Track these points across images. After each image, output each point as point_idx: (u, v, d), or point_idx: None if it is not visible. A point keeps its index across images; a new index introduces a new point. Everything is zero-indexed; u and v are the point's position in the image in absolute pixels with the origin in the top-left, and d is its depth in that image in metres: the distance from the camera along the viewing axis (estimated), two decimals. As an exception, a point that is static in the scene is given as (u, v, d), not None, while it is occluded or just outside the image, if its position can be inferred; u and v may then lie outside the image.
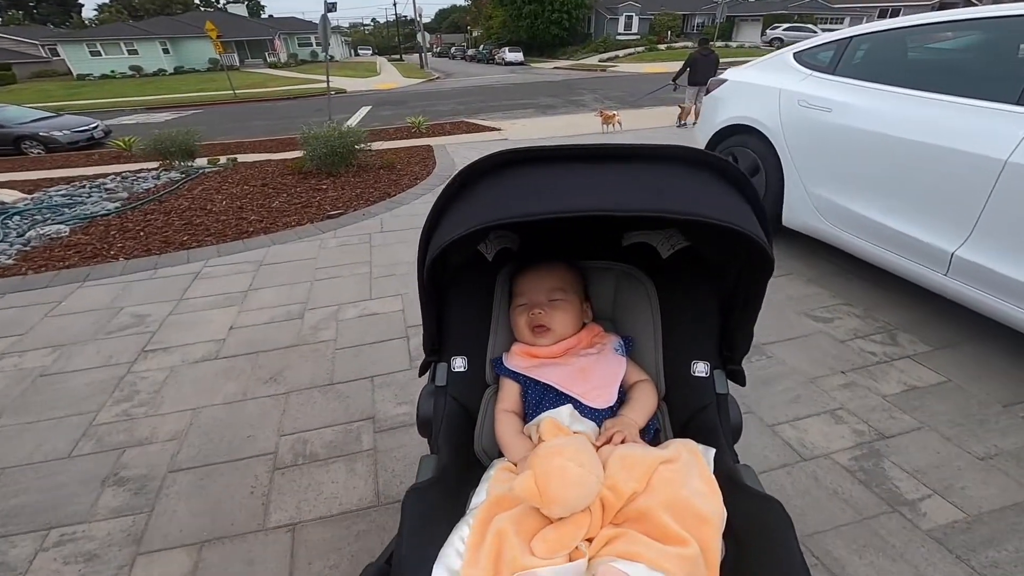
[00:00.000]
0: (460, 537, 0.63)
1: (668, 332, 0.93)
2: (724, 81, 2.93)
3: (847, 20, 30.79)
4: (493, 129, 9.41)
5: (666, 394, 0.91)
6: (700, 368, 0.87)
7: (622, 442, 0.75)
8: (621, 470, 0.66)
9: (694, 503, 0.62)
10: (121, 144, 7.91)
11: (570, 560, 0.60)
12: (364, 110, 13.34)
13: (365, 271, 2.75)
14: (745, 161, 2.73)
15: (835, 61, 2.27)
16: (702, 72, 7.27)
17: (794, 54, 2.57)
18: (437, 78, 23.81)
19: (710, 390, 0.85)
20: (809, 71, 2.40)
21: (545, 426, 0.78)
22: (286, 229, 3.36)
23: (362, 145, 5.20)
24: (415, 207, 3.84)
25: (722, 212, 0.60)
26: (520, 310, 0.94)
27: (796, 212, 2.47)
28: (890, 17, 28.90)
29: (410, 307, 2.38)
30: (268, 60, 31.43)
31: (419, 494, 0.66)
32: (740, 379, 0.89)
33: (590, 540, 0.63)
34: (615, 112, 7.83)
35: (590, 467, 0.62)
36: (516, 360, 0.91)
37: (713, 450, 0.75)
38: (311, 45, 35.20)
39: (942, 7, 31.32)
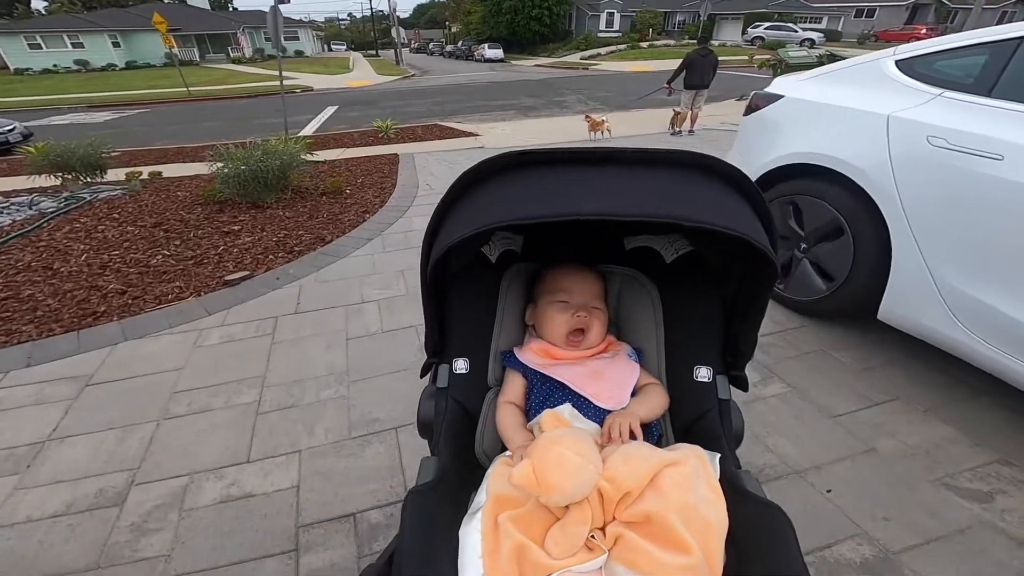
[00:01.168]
0: (475, 550, 0.61)
1: (671, 336, 0.92)
2: (778, 97, 2.08)
3: (825, 20, 30.87)
4: (469, 134, 8.44)
5: (669, 399, 0.89)
6: (702, 373, 0.85)
7: (621, 437, 0.75)
8: (622, 464, 0.64)
9: (701, 510, 0.60)
10: (32, 151, 6.64)
11: (588, 549, 0.61)
12: (329, 110, 12.15)
13: (251, 398, 1.76)
14: (817, 218, 1.88)
15: (991, 77, 1.42)
16: (700, 74, 6.49)
17: (898, 62, 1.71)
18: (413, 75, 22.58)
19: (712, 395, 0.83)
20: (936, 89, 1.55)
21: (545, 419, 0.78)
22: (156, 307, 2.31)
23: (307, 154, 4.15)
24: (350, 265, 2.79)
25: (727, 219, 0.59)
26: (561, 307, 0.89)
27: (907, 305, 1.63)
28: (866, 17, 29.08)
29: (310, 480, 1.43)
30: (231, 55, 29.21)
31: (420, 496, 0.65)
32: (743, 385, 0.87)
33: (603, 529, 0.62)
34: (604, 118, 6.97)
35: (588, 457, 0.62)
36: (530, 356, 0.88)
37: (718, 455, 0.73)
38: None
39: (914, 11, 31.85)
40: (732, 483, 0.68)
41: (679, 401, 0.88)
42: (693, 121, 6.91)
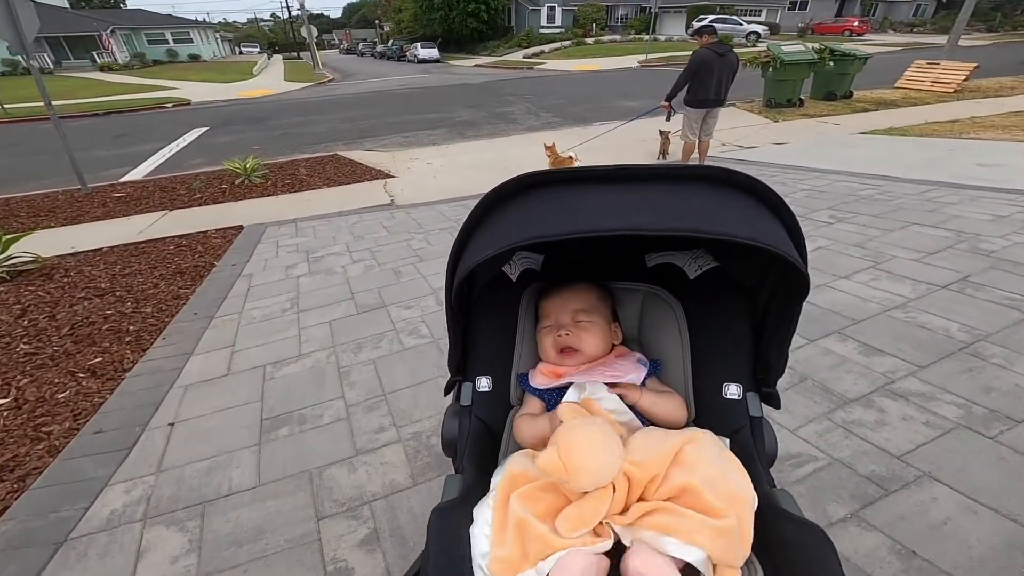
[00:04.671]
0: (485, 520, 0.63)
1: (697, 353, 0.89)
2: None
3: (764, 12, 30.75)
4: (377, 174, 5.75)
5: (697, 416, 0.87)
6: (732, 390, 0.83)
7: (620, 396, 0.79)
8: (644, 446, 0.65)
9: (728, 480, 0.61)
10: None
11: (596, 536, 0.60)
12: (193, 135, 8.92)
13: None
14: None
15: None
16: (716, 83, 4.19)
17: None
18: (330, 81, 19.24)
19: (743, 413, 0.80)
20: None
21: (564, 409, 0.76)
22: None
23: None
24: None
25: (753, 231, 0.57)
26: (546, 331, 0.91)
27: None
28: (799, 10, 29.11)
29: None
30: (100, 61, 24.04)
31: (445, 513, 0.65)
32: (775, 402, 0.82)
33: (623, 512, 0.62)
34: (571, 153, 4.59)
35: (610, 440, 0.62)
36: (539, 378, 0.88)
37: (727, 439, 0.75)
38: (166, 42, 27.85)
39: (842, 4, 32.65)
40: (768, 502, 0.65)
41: (709, 419, 0.84)
42: (703, 153, 4.65)
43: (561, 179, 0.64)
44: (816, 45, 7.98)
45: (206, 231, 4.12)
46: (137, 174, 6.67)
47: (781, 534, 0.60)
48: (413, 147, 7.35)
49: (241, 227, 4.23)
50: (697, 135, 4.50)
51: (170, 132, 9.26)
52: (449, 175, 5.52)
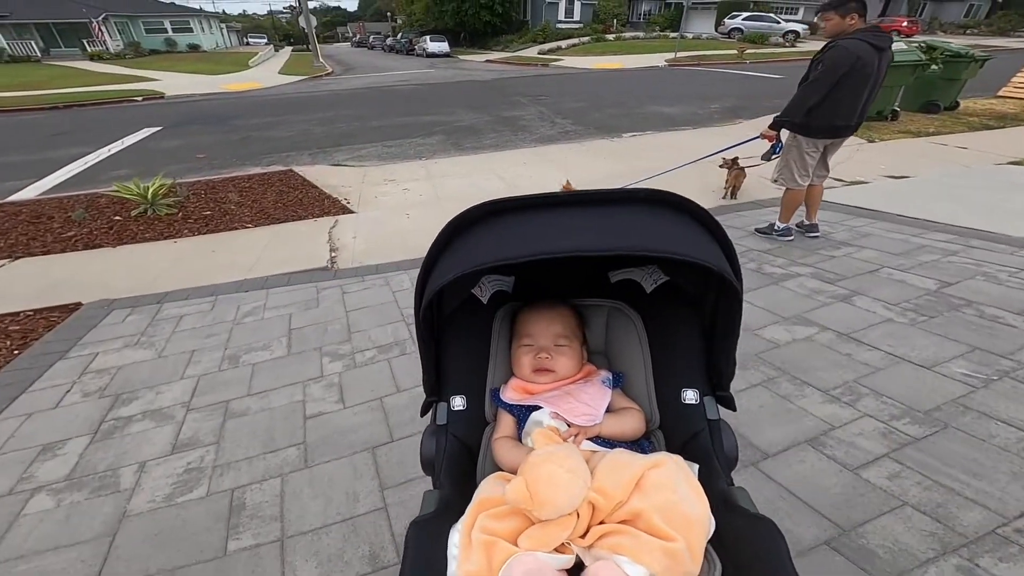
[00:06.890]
0: (453, 543, 0.66)
1: (657, 362, 0.95)
2: None
3: (801, 10, 28.50)
4: (331, 207, 4.10)
5: (661, 422, 0.92)
6: (689, 395, 0.88)
7: (576, 437, 0.81)
8: (610, 475, 0.68)
9: (683, 507, 0.63)
10: None
11: (558, 552, 0.63)
12: (135, 137, 7.48)
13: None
14: None
15: None
16: (867, 98, 2.49)
17: None
18: (327, 74, 17.76)
19: (701, 416, 0.86)
20: None
21: (536, 436, 0.81)
22: None
23: None
24: None
25: (688, 248, 0.63)
26: (525, 350, 0.95)
27: None
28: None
29: None
30: (90, 50, 22.65)
31: (422, 526, 0.68)
32: (730, 404, 0.88)
33: (584, 536, 0.65)
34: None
35: (577, 472, 0.65)
36: (510, 393, 0.93)
37: (696, 465, 0.76)
38: (165, 31, 26.53)
39: (887, 3, 30.15)
40: (724, 499, 0.69)
41: (671, 424, 0.89)
42: (814, 206, 2.97)
43: (520, 206, 0.69)
44: (920, 44, 6.18)
45: (16, 313, 2.57)
46: (34, 190, 5.18)
47: (737, 529, 0.64)
48: (394, 161, 5.75)
49: (79, 305, 2.67)
50: (808, 177, 2.81)
51: (117, 131, 7.81)
52: (428, 212, 3.90)
